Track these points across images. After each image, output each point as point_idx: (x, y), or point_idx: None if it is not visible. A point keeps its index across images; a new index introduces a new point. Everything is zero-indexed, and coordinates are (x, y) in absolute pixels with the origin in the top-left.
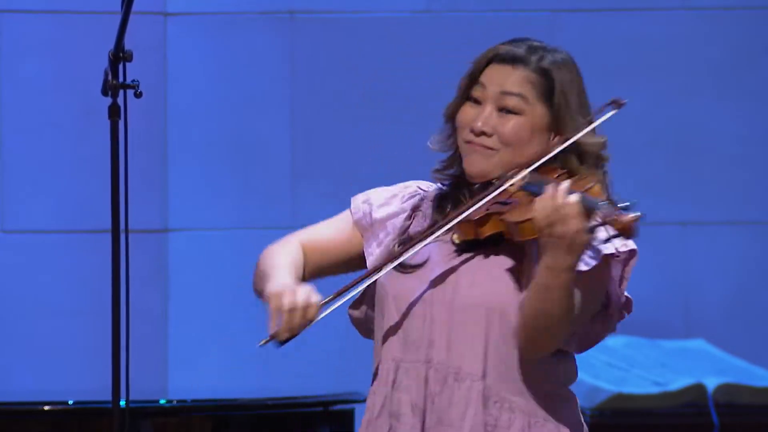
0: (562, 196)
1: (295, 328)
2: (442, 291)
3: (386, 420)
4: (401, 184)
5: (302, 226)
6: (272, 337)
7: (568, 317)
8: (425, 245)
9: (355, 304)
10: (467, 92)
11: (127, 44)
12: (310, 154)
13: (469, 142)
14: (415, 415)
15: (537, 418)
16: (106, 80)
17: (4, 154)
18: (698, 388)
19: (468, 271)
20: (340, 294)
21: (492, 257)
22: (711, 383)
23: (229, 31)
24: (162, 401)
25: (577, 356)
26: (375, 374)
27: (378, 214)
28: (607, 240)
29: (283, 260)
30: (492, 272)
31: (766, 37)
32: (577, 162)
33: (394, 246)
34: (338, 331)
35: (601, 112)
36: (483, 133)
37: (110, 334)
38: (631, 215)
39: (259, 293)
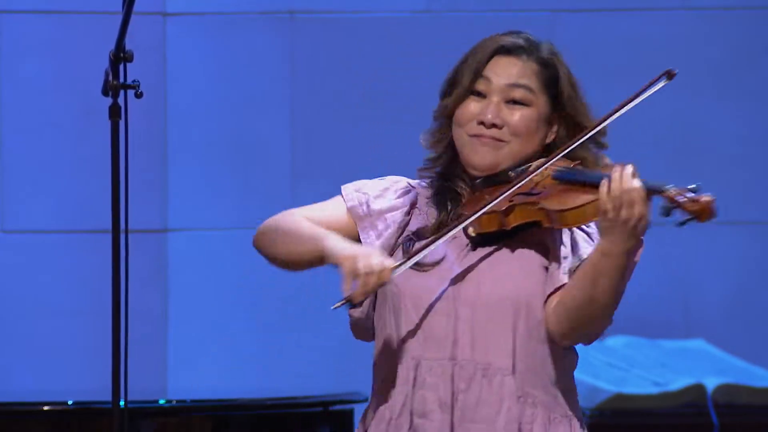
0: (628, 179)
1: (369, 291)
2: (464, 287)
3: (407, 419)
4: (390, 178)
5: None
6: (347, 300)
7: (616, 304)
8: (451, 237)
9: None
10: (471, 87)
11: (127, 44)
12: (310, 154)
13: (477, 135)
14: (443, 412)
15: (555, 413)
16: (106, 80)
17: (4, 154)
18: (698, 389)
19: (488, 266)
20: (409, 258)
21: (508, 251)
22: (710, 383)
23: (229, 31)
24: (162, 401)
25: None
26: (385, 374)
27: (376, 205)
28: (683, 223)
29: (313, 225)
30: (512, 266)
31: (766, 37)
32: (582, 150)
33: (402, 242)
34: (338, 331)
35: (654, 83)
36: (494, 125)
37: (110, 334)
38: (708, 196)
39: (275, 253)
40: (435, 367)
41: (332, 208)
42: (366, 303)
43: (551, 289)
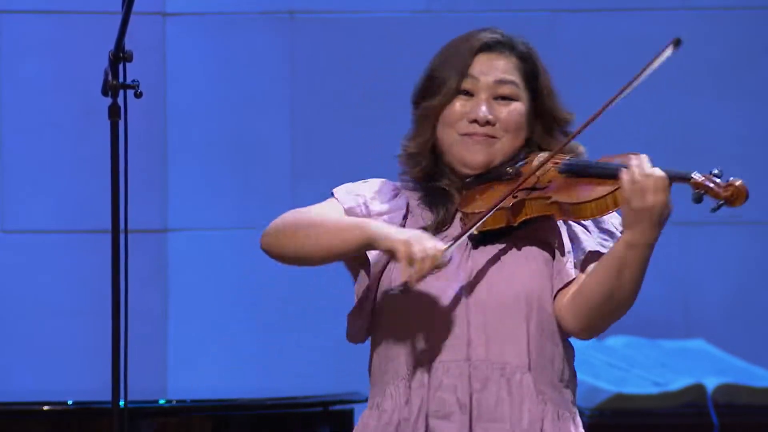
0: (649, 167)
1: (426, 275)
2: (475, 288)
3: (423, 422)
4: (375, 181)
5: None
6: (405, 284)
7: (636, 295)
8: (467, 236)
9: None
10: (458, 86)
11: (126, 44)
12: (310, 154)
13: (469, 134)
14: (463, 413)
15: (563, 410)
16: (106, 80)
17: (4, 154)
18: (698, 389)
19: (496, 264)
20: (455, 241)
21: (513, 249)
22: (710, 383)
23: (229, 31)
24: (161, 401)
25: (576, 356)
26: (391, 377)
27: (375, 206)
28: (717, 209)
29: (342, 216)
30: (520, 263)
31: (766, 37)
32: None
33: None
34: (338, 331)
35: (661, 54)
36: (488, 123)
37: (110, 334)
38: (739, 180)
39: (297, 248)
40: (452, 369)
41: (330, 210)
42: (367, 304)
43: (561, 284)
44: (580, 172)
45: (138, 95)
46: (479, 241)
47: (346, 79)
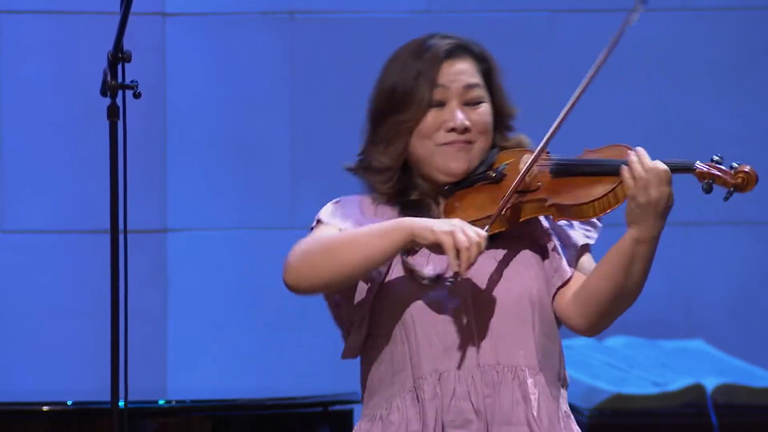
0: (649, 160)
1: (473, 263)
2: (477, 293)
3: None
4: (352, 199)
5: (302, 226)
6: (456, 275)
7: (642, 288)
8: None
9: (356, 328)
10: (430, 98)
11: (126, 45)
12: (310, 154)
13: (448, 142)
14: (480, 420)
15: (563, 407)
16: (105, 81)
17: (4, 154)
18: (697, 389)
19: (494, 268)
20: (491, 223)
21: (507, 251)
22: (710, 383)
23: (229, 31)
24: (161, 402)
25: (576, 356)
26: (396, 390)
27: (368, 222)
28: (728, 197)
29: (366, 226)
30: (517, 264)
31: (766, 37)
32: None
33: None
34: (338, 331)
35: (630, 19)
36: (465, 129)
37: (109, 335)
38: (748, 165)
39: (334, 270)
40: (463, 376)
41: (332, 232)
42: (365, 318)
43: (560, 282)
44: (572, 171)
45: (137, 95)
46: None
47: (346, 79)
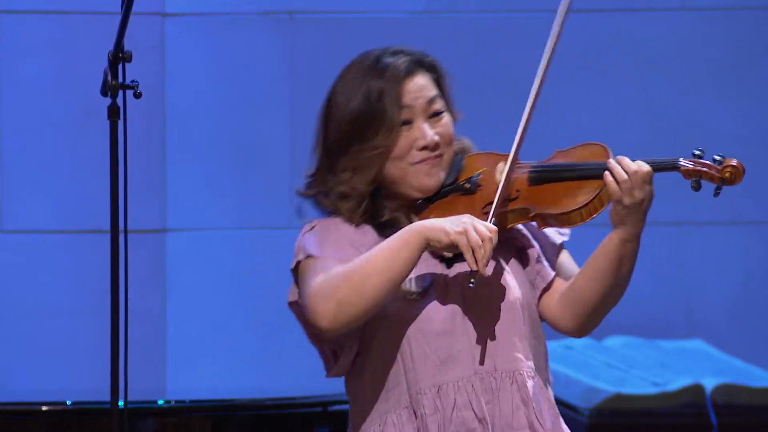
0: (629, 162)
1: (489, 257)
2: (468, 302)
3: None
4: (327, 223)
5: (301, 226)
6: (476, 273)
7: (628, 284)
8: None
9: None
10: (399, 120)
11: (126, 45)
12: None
13: (422, 160)
14: (485, 428)
15: (555, 408)
16: (105, 81)
17: (4, 154)
18: (696, 389)
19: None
20: (493, 212)
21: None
22: (709, 384)
23: (229, 31)
24: (161, 402)
25: (575, 357)
26: (392, 406)
27: (365, 247)
28: (718, 192)
29: (377, 246)
30: (502, 270)
31: (766, 37)
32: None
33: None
34: None
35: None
36: (436, 145)
37: (109, 335)
38: (734, 159)
39: (370, 296)
40: (463, 386)
41: (335, 263)
42: (356, 338)
43: (543, 285)
44: (552, 178)
45: (137, 95)
46: (452, 259)
47: None
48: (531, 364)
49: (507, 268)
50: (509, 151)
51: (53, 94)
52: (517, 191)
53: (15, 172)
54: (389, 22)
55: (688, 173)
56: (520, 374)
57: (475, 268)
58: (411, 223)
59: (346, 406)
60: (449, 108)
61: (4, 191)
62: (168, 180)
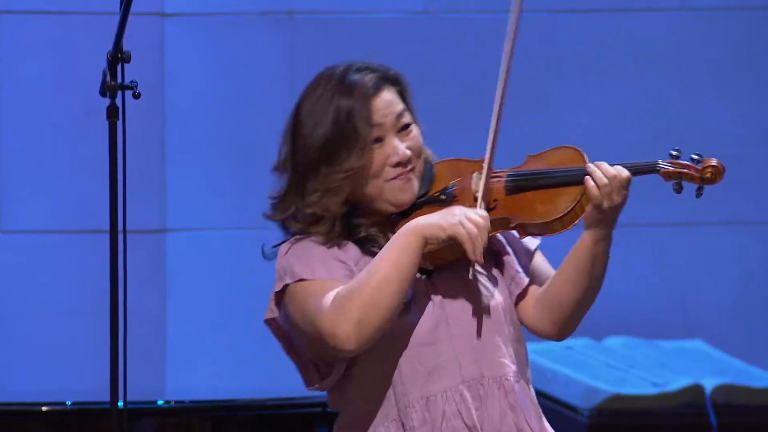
0: (608, 167)
1: (486, 243)
2: (450, 311)
3: None
4: (305, 245)
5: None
6: (475, 262)
7: (602, 284)
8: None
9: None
10: (371, 139)
11: (125, 45)
12: None
13: (397, 176)
14: None
15: (539, 409)
16: (104, 81)
17: (3, 154)
18: (696, 389)
19: (461, 284)
20: (481, 198)
21: (460, 268)
22: (709, 384)
23: (228, 31)
24: (160, 402)
25: (575, 357)
26: (380, 420)
27: (352, 265)
28: (700, 193)
29: (377, 257)
30: (481, 278)
31: (766, 37)
32: None
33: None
34: None
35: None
36: (410, 159)
37: (109, 335)
38: (713, 159)
39: (388, 305)
40: (451, 396)
41: (327, 289)
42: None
43: (518, 290)
44: (530, 186)
45: (136, 96)
46: (431, 271)
47: None
48: (516, 367)
49: (486, 273)
50: (485, 155)
51: (53, 94)
52: (495, 200)
53: (15, 172)
54: (389, 22)
55: (668, 175)
56: (507, 379)
57: (474, 257)
58: (388, 238)
59: None
60: (414, 119)
61: (4, 191)
62: (168, 180)
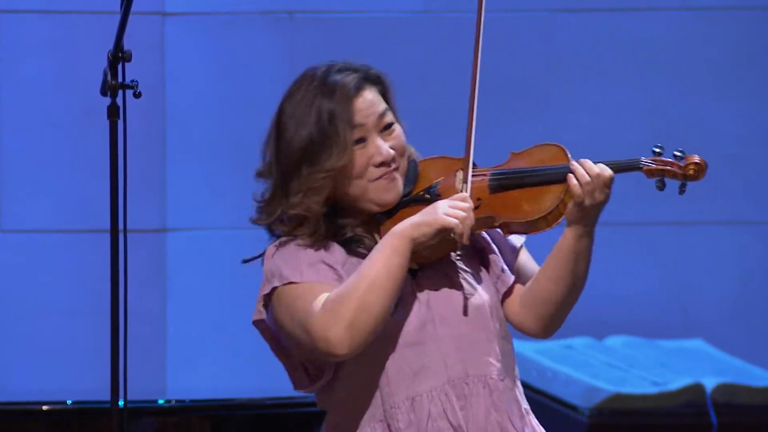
0: (591, 165)
1: (473, 221)
2: (435, 310)
3: None
4: (290, 248)
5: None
6: (460, 244)
7: (586, 280)
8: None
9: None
10: (352, 140)
11: (125, 44)
12: None
13: (381, 176)
14: None
15: (524, 405)
16: (105, 80)
17: (3, 154)
18: (696, 388)
19: (446, 283)
20: (470, 184)
21: (453, 264)
22: (709, 383)
23: (228, 31)
24: (161, 401)
25: (575, 356)
26: (366, 421)
27: (338, 267)
28: (683, 190)
29: (365, 262)
30: (466, 275)
31: (766, 37)
32: None
33: None
34: None
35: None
36: (393, 158)
37: (109, 334)
38: (696, 156)
39: (380, 306)
40: (437, 396)
41: (317, 292)
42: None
43: (504, 288)
44: (513, 185)
45: (137, 95)
46: (416, 271)
47: None
48: (501, 365)
49: (471, 273)
50: (469, 155)
51: (53, 94)
52: (479, 199)
53: (15, 172)
54: (389, 22)
55: (651, 173)
56: (492, 378)
57: (464, 242)
58: (373, 238)
59: None
60: (397, 118)
61: (4, 191)
62: (168, 180)
